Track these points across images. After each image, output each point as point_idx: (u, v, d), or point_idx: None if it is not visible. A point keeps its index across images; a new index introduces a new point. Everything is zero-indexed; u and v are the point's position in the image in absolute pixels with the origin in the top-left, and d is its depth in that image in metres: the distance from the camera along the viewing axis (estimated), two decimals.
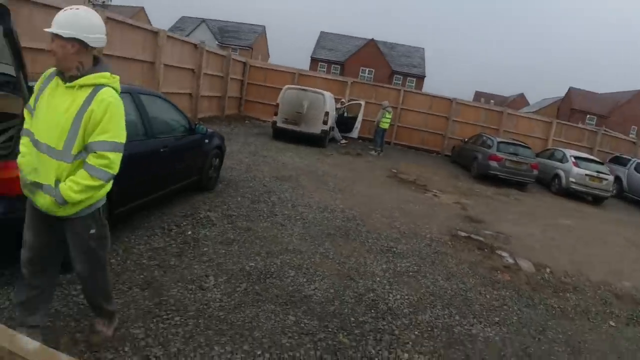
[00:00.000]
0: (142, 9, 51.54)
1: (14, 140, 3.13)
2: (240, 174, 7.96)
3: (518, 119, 18.87)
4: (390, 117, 15.12)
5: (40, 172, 2.40)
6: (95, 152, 2.34)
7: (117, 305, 3.10)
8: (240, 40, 44.46)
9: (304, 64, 42.70)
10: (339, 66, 41.89)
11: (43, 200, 2.41)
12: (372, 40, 41.90)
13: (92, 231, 2.56)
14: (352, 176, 10.02)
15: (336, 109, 15.49)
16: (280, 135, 13.42)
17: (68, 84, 2.37)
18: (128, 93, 4.39)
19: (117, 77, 2.50)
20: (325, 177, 9.25)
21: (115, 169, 2.40)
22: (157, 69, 10.94)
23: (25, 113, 2.56)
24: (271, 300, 3.83)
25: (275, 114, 13.40)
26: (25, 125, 2.52)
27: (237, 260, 4.46)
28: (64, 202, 2.35)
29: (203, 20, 44.83)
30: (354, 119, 16.67)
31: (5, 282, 3.32)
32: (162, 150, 4.76)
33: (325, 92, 13.82)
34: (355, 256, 5.18)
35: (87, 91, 2.35)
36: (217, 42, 40.91)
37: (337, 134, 15.63)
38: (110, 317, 2.94)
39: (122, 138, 2.42)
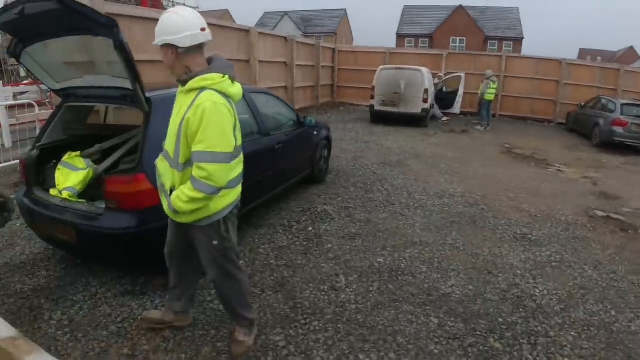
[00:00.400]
0: (227, 11, 53.49)
1: (138, 153, 3.15)
2: (347, 163, 7.75)
3: (638, 77, 16.47)
4: (495, 87, 13.97)
5: (162, 177, 2.45)
6: (195, 163, 2.21)
7: (255, 313, 3.01)
8: (324, 27, 44.43)
9: (390, 43, 41.51)
10: (427, 39, 40.12)
11: (164, 205, 2.45)
12: (461, 6, 39.37)
13: (215, 242, 2.47)
14: (462, 156, 9.36)
15: (434, 84, 14.69)
16: (379, 118, 13.01)
17: (181, 89, 2.32)
18: None
19: (226, 78, 2.27)
20: (434, 160, 8.72)
21: (217, 182, 2.20)
22: (253, 66, 11.10)
23: None
24: (408, 300, 3.54)
25: (372, 97, 12.99)
26: None
27: (364, 256, 4.23)
28: (175, 211, 2.32)
29: (285, 13, 45.45)
30: (454, 93, 15.65)
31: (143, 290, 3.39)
32: (277, 147, 4.66)
33: (422, 69, 13.10)
34: (488, 246, 4.70)
35: (192, 96, 2.22)
36: (301, 33, 41.24)
37: (437, 111, 14.84)
38: (249, 326, 2.83)
39: (222, 147, 2.20)
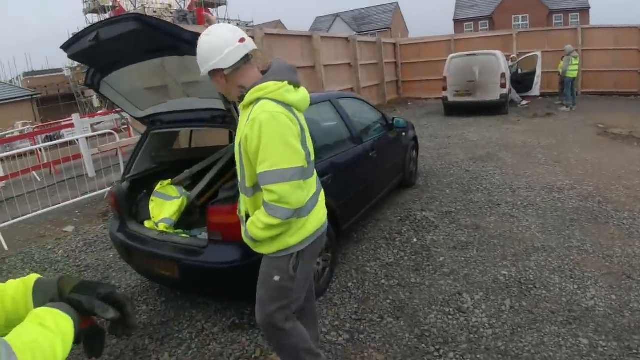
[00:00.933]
0: (279, 21, 54.14)
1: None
2: (433, 162, 7.26)
3: None
4: (577, 63, 12.75)
5: (239, 203, 2.27)
6: (263, 187, 1.93)
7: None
8: (377, 24, 43.67)
9: (447, 30, 40.02)
10: (486, 21, 38.13)
11: (242, 232, 2.19)
12: None
13: (276, 278, 2.11)
14: (556, 142, 8.51)
15: (508, 67, 13.71)
16: (454, 110, 12.31)
17: (241, 105, 2.05)
18: (328, 100, 4.03)
19: (284, 84, 1.95)
20: (527, 149, 7.98)
21: (292, 203, 1.89)
22: (318, 71, 10.86)
23: None
24: (548, 319, 3.04)
25: (444, 89, 12.31)
26: None
27: (484, 268, 3.76)
28: (252, 239, 2.07)
29: (337, 15, 45.19)
30: (532, 74, 14.49)
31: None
32: (371, 154, 4.31)
33: (496, 52, 12.25)
34: (619, 245, 4.06)
35: (249, 110, 1.94)
36: (355, 32, 40.81)
37: (514, 95, 13.83)
38: None
39: (290, 162, 1.88)
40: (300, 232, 2.06)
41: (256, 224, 1.98)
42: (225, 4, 35.44)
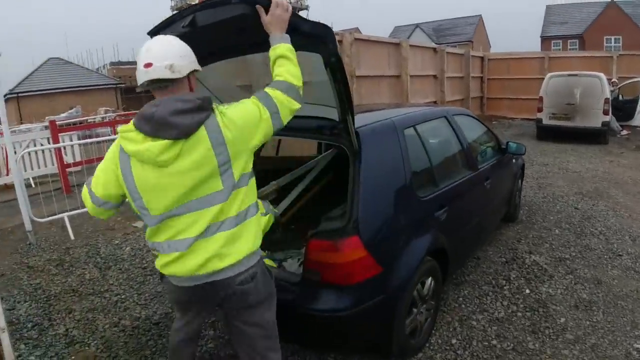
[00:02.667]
0: (357, 29, 53.76)
1: (348, 206, 2.36)
2: (534, 193, 6.42)
3: None
4: None
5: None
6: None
7: None
8: (458, 36, 42.19)
9: (532, 46, 37.92)
10: (576, 40, 35.83)
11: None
12: (613, 1, 34.42)
13: None
14: None
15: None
16: (548, 134, 11.19)
17: None
18: (444, 117, 3.44)
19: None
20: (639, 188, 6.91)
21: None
22: (404, 81, 10.22)
23: None
24: None
25: (539, 110, 11.22)
26: None
27: (613, 338, 3.04)
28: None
29: (417, 26, 44.15)
30: (634, 102, 13.02)
31: None
32: (485, 183, 3.65)
33: (600, 74, 11.02)
34: None
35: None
36: (434, 44, 39.67)
37: (614, 123, 12.44)
38: None
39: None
40: None
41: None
42: (306, 8, 35.64)
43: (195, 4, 2.21)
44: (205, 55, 2.66)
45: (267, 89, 1.88)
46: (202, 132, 1.70)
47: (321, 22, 2.06)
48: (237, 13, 1.96)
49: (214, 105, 1.80)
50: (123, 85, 33.38)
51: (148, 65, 1.71)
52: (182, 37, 2.25)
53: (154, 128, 1.68)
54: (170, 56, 1.74)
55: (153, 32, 2.43)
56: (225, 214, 1.78)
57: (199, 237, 1.75)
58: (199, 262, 1.75)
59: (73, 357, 3.07)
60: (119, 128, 1.84)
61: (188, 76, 1.81)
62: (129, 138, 1.74)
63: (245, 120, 1.79)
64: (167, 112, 1.67)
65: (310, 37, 1.98)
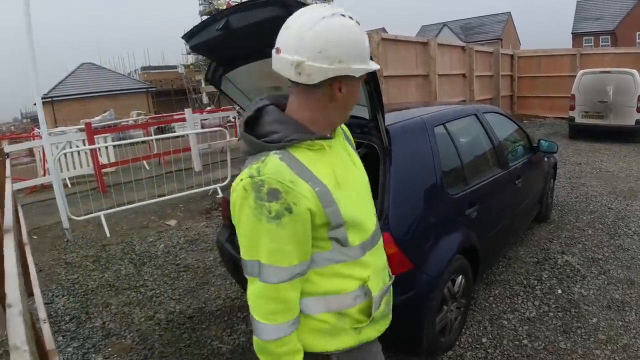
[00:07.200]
0: (383, 29, 53.48)
1: (379, 203, 2.39)
2: (567, 193, 6.28)
3: None
4: None
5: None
6: None
7: None
8: (487, 34, 41.58)
9: (563, 43, 36.96)
10: (608, 36, 34.93)
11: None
12: None
13: None
14: None
15: None
16: (580, 133, 10.92)
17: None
18: (474, 114, 3.42)
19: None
20: None
21: (259, 314, 1.21)
22: (432, 81, 10.16)
23: None
24: None
25: (572, 108, 10.95)
26: None
27: None
28: None
29: (444, 24, 43.68)
30: None
31: None
32: (516, 182, 3.61)
33: (633, 71, 10.65)
34: None
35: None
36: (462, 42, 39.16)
37: None
38: None
39: (266, 258, 1.18)
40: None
41: None
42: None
43: (228, 8, 2.27)
44: (236, 57, 2.74)
45: None
46: None
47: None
48: (270, 15, 2.01)
49: (263, 159, 1.29)
50: (154, 89, 34.21)
51: (277, 50, 1.33)
52: (215, 39, 2.33)
53: None
54: (309, 49, 1.25)
55: (188, 36, 2.53)
56: None
57: None
58: None
59: (110, 349, 3.19)
60: None
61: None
62: None
63: None
64: None
65: None
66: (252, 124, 1.32)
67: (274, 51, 1.28)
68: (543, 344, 2.93)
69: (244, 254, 1.22)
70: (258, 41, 2.44)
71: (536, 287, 3.64)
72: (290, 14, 1.94)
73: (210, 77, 2.92)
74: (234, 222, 1.24)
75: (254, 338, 1.26)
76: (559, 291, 3.59)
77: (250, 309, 1.24)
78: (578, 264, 4.04)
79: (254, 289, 1.22)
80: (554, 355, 2.83)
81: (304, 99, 1.26)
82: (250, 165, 1.21)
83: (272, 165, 1.18)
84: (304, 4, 1.94)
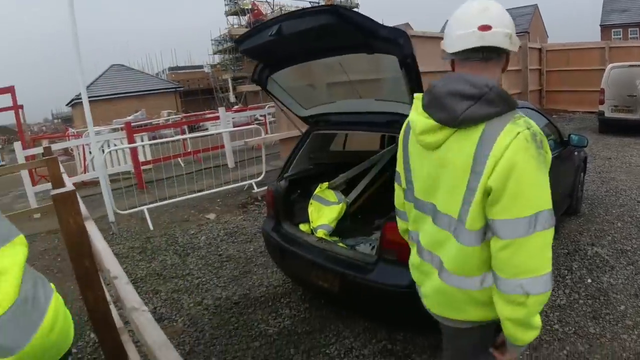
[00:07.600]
0: (408, 24, 53.01)
1: None
2: (597, 187, 6.32)
3: None
4: None
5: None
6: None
7: None
8: None
9: (591, 36, 36.22)
10: (636, 29, 34.00)
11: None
12: None
13: (491, 349, 1.59)
14: None
15: None
16: (610, 127, 10.79)
17: None
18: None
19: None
20: None
21: (548, 264, 1.30)
22: None
23: None
24: None
25: (601, 102, 10.83)
26: None
27: None
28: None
29: None
30: None
31: None
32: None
33: None
34: None
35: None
36: None
37: None
38: None
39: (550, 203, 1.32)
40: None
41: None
42: (357, 6, 35.78)
43: (281, 15, 2.50)
44: (283, 59, 2.97)
45: None
46: (478, 133, 1.34)
47: (397, 27, 2.29)
48: (322, 23, 2.22)
49: (518, 116, 1.36)
50: (182, 88, 34.86)
51: (485, 27, 1.34)
52: (266, 44, 2.56)
53: (428, 103, 1.43)
54: (509, 24, 1.38)
55: (240, 41, 2.77)
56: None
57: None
58: None
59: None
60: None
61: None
62: (416, 105, 1.50)
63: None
64: (446, 91, 1.37)
65: (387, 41, 2.21)
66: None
67: (476, 29, 1.34)
68: (573, 329, 3.07)
69: (531, 208, 1.25)
70: (305, 45, 2.67)
71: (566, 277, 3.76)
72: (340, 21, 2.15)
73: (257, 78, 3.15)
74: (498, 182, 1.26)
75: (532, 297, 1.27)
76: (589, 280, 3.70)
77: (533, 269, 1.26)
78: (607, 255, 4.14)
79: (543, 241, 1.27)
80: (584, 339, 2.97)
81: (480, 72, 1.39)
82: (512, 121, 1.32)
83: (529, 120, 1.37)
84: (355, 14, 2.16)
